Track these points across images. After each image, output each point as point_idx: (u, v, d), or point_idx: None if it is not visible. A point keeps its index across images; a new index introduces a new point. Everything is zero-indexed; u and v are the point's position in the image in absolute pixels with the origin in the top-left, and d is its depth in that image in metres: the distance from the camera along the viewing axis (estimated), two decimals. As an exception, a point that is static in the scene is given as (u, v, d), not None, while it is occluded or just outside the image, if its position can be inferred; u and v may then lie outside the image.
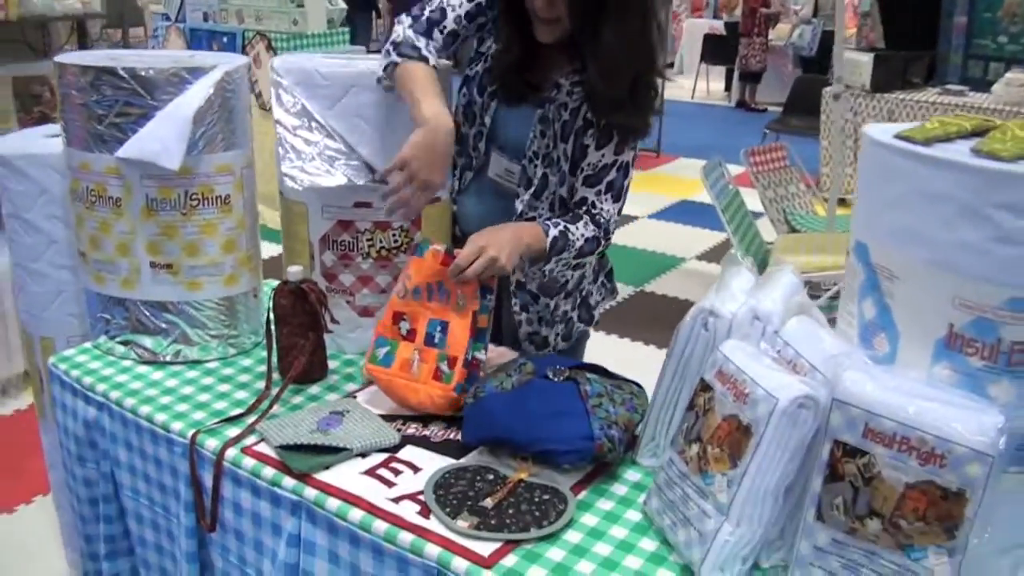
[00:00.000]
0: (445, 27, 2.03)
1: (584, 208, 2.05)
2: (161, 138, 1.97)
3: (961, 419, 1.19)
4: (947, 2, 6.31)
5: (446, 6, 2.04)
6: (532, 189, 2.08)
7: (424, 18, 2.03)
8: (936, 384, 1.29)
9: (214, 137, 2.04)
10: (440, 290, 1.89)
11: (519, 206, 2.10)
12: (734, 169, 5.06)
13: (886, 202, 1.32)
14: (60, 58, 2.06)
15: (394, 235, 2.09)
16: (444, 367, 1.86)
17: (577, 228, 2.01)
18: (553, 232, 1.97)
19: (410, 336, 1.91)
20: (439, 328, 1.89)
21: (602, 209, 2.05)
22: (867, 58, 5.92)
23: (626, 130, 2.01)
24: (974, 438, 1.18)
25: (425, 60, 1.95)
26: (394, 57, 1.96)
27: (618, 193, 2.06)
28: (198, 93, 2.00)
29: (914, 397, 1.24)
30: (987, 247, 1.21)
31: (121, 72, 1.96)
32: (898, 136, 1.31)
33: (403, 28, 2.00)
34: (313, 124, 2.07)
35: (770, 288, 1.58)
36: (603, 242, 2.07)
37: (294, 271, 1.97)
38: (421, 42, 1.98)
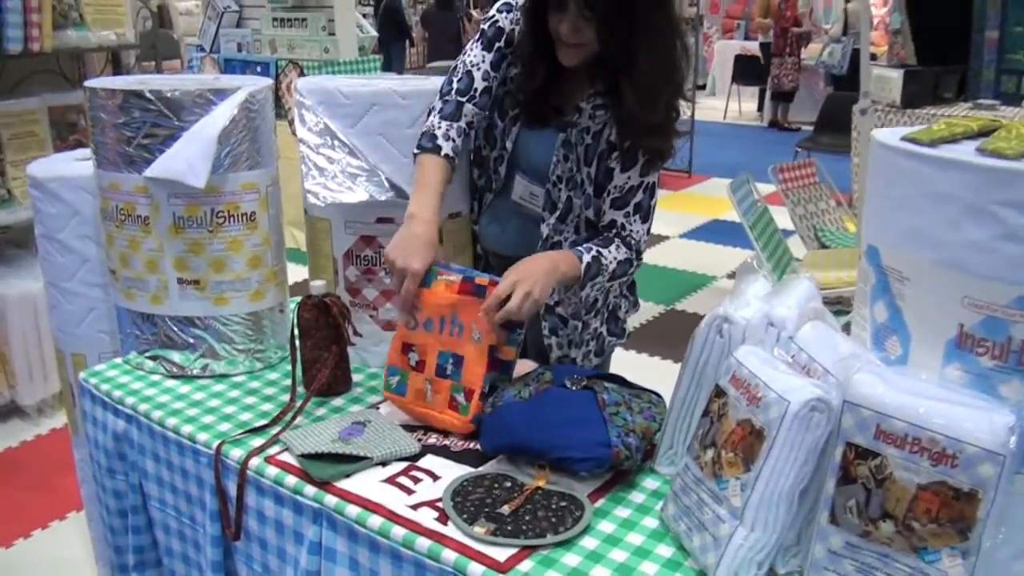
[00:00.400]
0: (476, 90, 2.06)
1: (614, 231, 2.06)
2: (187, 158, 2.01)
3: (972, 418, 1.19)
4: (978, 17, 6.25)
5: (471, 67, 2.07)
6: (557, 213, 2.10)
7: (453, 93, 2.05)
8: (947, 385, 1.29)
9: (239, 156, 2.08)
10: (453, 323, 1.87)
11: (544, 230, 2.11)
12: (765, 188, 5.05)
13: (894, 204, 1.33)
14: (90, 82, 2.12)
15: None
16: (460, 398, 1.85)
17: (609, 252, 2.02)
18: (586, 258, 1.98)
19: (419, 367, 1.90)
20: (451, 360, 1.87)
21: (632, 231, 2.06)
22: (897, 74, 5.86)
23: (655, 153, 2.02)
24: (985, 437, 1.17)
25: (437, 151, 1.98)
26: (415, 149, 2.02)
27: (646, 213, 2.07)
28: (223, 113, 2.05)
29: (925, 397, 1.24)
30: (994, 246, 1.21)
31: (148, 94, 2.01)
32: (904, 138, 1.32)
33: (431, 116, 2.04)
34: (335, 142, 2.10)
35: (785, 295, 1.59)
36: (635, 263, 2.08)
37: (317, 285, 2.00)
38: (441, 128, 2.00)
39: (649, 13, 1.87)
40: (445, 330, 1.88)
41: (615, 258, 2.03)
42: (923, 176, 1.27)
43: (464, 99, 2.05)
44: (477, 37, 2.11)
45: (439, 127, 2.01)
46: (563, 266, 1.94)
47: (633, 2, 1.85)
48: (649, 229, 2.10)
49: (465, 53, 2.11)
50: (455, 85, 2.06)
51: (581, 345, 2.25)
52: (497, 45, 2.09)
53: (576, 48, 1.94)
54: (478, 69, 2.07)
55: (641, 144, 2.00)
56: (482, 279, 1.85)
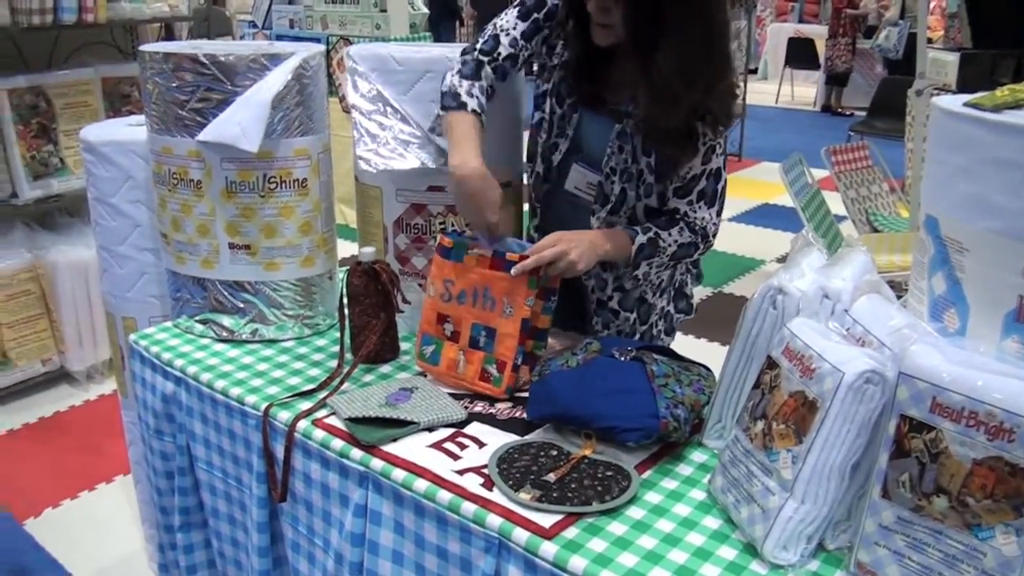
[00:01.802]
0: (499, 54, 1.99)
1: (678, 216, 2.02)
2: (240, 122, 2.02)
3: (1031, 392, 1.17)
4: (1035, 2, 6.13)
5: (499, 32, 2.01)
6: (609, 206, 2.04)
7: (475, 54, 1.99)
8: (1006, 358, 1.26)
9: (292, 122, 2.09)
10: (486, 297, 1.88)
11: (595, 223, 2.06)
12: (817, 173, 4.98)
13: (954, 172, 1.30)
14: (144, 47, 2.13)
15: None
16: (493, 370, 1.87)
17: (670, 234, 1.99)
18: (640, 239, 1.95)
19: (454, 337, 1.93)
20: (483, 332, 1.89)
21: (696, 217, 2.01)
22: (953, 57, 5.77)
23: (668, 162, 1.95)
24: (1044, 412, 1.15)
25: (464, 107, 1.92)
26: (438, 110, 1.97)
27: (712, 198, 2.02)
28: (277, 79, 2.05)
29: (983, 370, 1.21)
30: (1058, 215, 1.18)
31: (202, 59, 2.02)
32: (966, 104, 1.29)
33: (450, 76, 1.97)
34: (388, 109, 2.10)
35: (840, 267, 1.56)
36: (701, 246, 2.04)
37: (367, 252, 2.00)
38: (463, 87, 1.93)
39: (680, 12, 1.76)
40: (478, 303, 1.89)
41: (675, 240, 2.00)
42: (985, 142, 1.25)
43: (485, 59, 1.98)
44: (516, 4, 2.04)
45: (460, 86, 1.94)
46: (608, 244, 1.93)
47: None
48: (720, 211, 2.05)
49: (499, 17, 2.04)
50: (479, 47, 2.00)
51: (633, 336, 2.21)
52: (535, 16, 2.01)
53: (605, 29, 1.86)
54: (507, 35, 2.01)
55: (658, 149, 1.93)
56: (512, 254, 1.85)
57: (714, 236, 2.06)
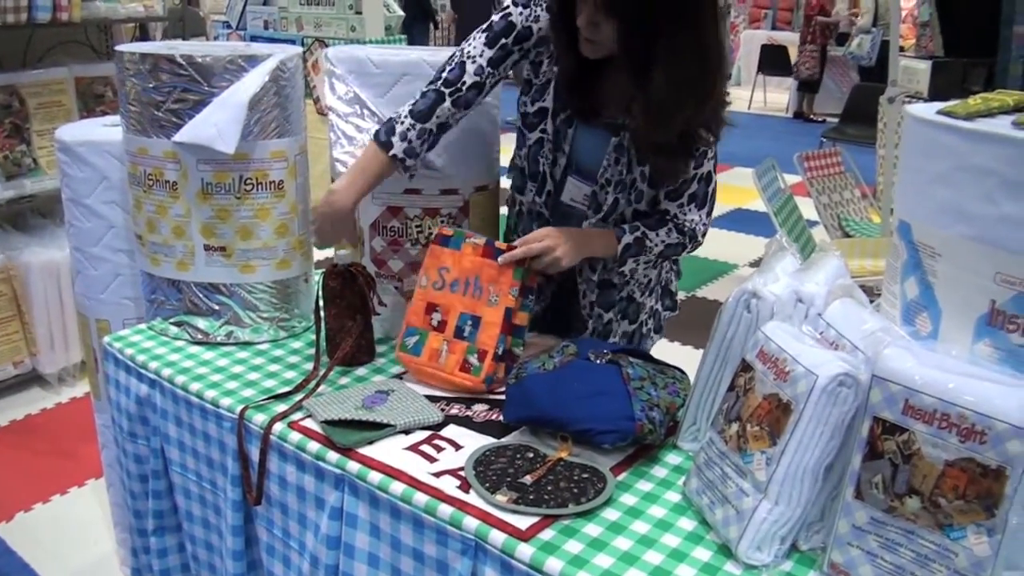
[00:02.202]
0: (464, 84, 1.95)
1: (668, 216, 2.04)
2: (217, 123, 2.01)
3: (1002, 395, 1.18)
4: (1007, 11, 6.20)
5: (465, 59, 1.97)
6: (601, 214, 2.05)
7: (439, 83, 1.96)
8: (977, 361, 1.28)
9: (268, 124, 2.09)
10: (475, 286, 1.93)
11: (584, 226, 2.07)
12: (790, 179, 5.01)
13: (928, 179, 1.32)
14: (120, 47, 2.12)
15: (443, 222, 2.12)
16: (473, 360, 1.89)
17: (657, 234, 2.01)
18: (627, 239, 1.98)
19: (440, 327, 1.95)
20: (469, 322, 1.92)
21: (686, 219, 2.03)
22: (925, 65, 5.83)
23: (661, 174, 1.98)
24: (1015, 414, 1.16)
25: (388, 147, 1.92)
26: (371, 133, 1.98)
27: (702, 201, 2.04)
28: (254, 80, 2.05)
29: (954, 373, 1.23)
30: (1029, 221, 1.20)
31: (179, 59, 2.01)
32: (940, 112, 1.31)
33: (406, 107, 1.95)
34: (365, 111, 2.10)
35: (814, 271, 1.58)
36: (688, 246, 2.07)
37: (343, 254, 2.01)
38: (402, 125, 1.93)
39: (673, 30, 1.75)
40: (468, 291, 1.93)
41: (663, 240, 2.02)
42: (958, 150, 1.26)
43: (447, 91, 1.95)
44: (484, 27, 1.99)
45: (402, 123, 1.93)
46: (596, 243, 1.97)
47: (654, 15, 1.74)
48: (710, 212, 2.07)
49: (468, 40, 2.00)
50: (444, 75, 1.96)
51: (607, 337, 2.23)
52: (503, 42, 1.97)
53: (593, 44, 1.86)
54: (473, 62, 1.96)
55: (652, 161, 1.95)
56: (501, 244, 1.92)
57: (703, 236, 2.08)
